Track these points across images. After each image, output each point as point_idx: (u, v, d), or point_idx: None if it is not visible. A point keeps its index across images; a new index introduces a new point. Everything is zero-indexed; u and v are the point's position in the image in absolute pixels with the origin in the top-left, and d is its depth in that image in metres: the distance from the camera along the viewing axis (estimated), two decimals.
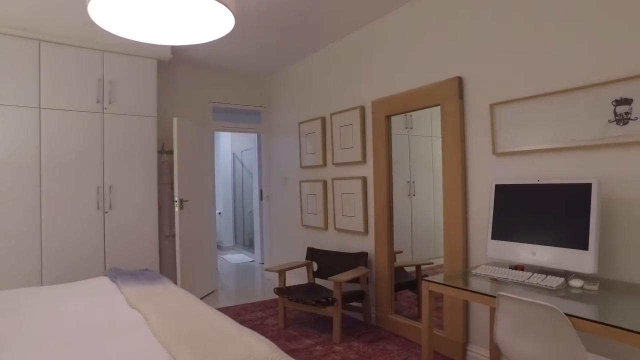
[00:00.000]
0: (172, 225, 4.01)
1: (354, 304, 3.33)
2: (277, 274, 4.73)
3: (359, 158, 3.28)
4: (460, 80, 2.46)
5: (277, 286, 3.27)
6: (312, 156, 3.90)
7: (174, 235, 4.01)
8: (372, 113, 3.13)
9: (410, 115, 3.63)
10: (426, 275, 3.40)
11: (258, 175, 5.48)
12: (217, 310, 1.62)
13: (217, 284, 4.50)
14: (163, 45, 3.54)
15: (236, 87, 4.63)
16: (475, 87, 2.40)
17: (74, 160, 3.16)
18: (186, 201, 3.76)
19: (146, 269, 2.42)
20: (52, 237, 3.05)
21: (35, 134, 3.01)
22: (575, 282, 1.72)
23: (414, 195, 3.59)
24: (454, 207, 2.50)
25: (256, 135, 5.61)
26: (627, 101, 1.74)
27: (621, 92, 1.76)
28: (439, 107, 2.61)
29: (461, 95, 2.46)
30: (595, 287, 1.68)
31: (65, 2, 2.94)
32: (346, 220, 3.46)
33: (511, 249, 2.00)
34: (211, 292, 4.25)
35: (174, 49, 3.73)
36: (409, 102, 2.82)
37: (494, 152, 2.29)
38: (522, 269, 1.98)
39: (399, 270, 3.49)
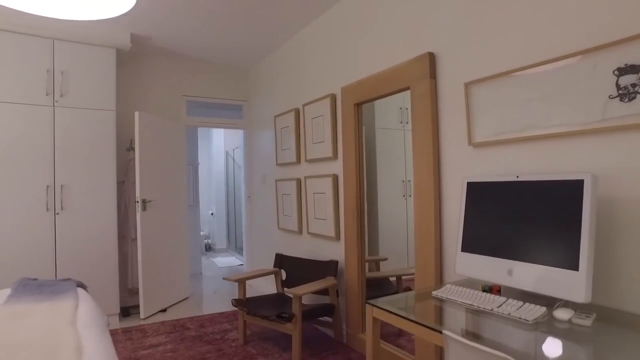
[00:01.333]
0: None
1: (326, 318, 2.94)
2: (259, 280, 4.38)
3: (330, 154, 2.88)
4: (432, 57, 2.03)
5: (247, 296, 2.91)
6: (287, 152, 3.52)
7: None
8: (342, 101, 2.72)
9: (406, 108, 3.21)
10: (409, 288, 2.99)
11: (244, 174, 5.16)
12: (84, 338, 1.28)
13: (190, 290, 4.20)
14: (121, 33, 3.25)
15: (214, 80, 4.31)
16: (449, 64, 1.97)
17: (19, 156, 2.91)
18: (149, 201, 3.47)
19: (68, 279, 2.12)
20: None
21: None
22: (562, 314, 1.28)
23: (409, 196, 3.18)
24: (425, 210, 2.07)
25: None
26: (635, 69, 1.28)
27: (626, 57, 1.30)
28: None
29: (433, 75, 2.03)
30: (589, 322, 1.23)
31: None
32: (318, 223, 3.07)
33: (484, 265, 1.57)
34: (184, 299, 3.95)
35: (135, 38, 3.45)
36: (378, 87, 2.40)
37: (470, 143, 1.85)
38: (499, 291, 1.55)
39: (381, 281, 3.08)
